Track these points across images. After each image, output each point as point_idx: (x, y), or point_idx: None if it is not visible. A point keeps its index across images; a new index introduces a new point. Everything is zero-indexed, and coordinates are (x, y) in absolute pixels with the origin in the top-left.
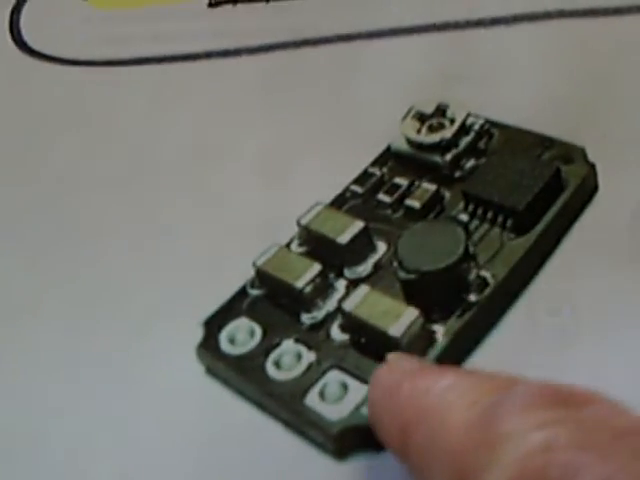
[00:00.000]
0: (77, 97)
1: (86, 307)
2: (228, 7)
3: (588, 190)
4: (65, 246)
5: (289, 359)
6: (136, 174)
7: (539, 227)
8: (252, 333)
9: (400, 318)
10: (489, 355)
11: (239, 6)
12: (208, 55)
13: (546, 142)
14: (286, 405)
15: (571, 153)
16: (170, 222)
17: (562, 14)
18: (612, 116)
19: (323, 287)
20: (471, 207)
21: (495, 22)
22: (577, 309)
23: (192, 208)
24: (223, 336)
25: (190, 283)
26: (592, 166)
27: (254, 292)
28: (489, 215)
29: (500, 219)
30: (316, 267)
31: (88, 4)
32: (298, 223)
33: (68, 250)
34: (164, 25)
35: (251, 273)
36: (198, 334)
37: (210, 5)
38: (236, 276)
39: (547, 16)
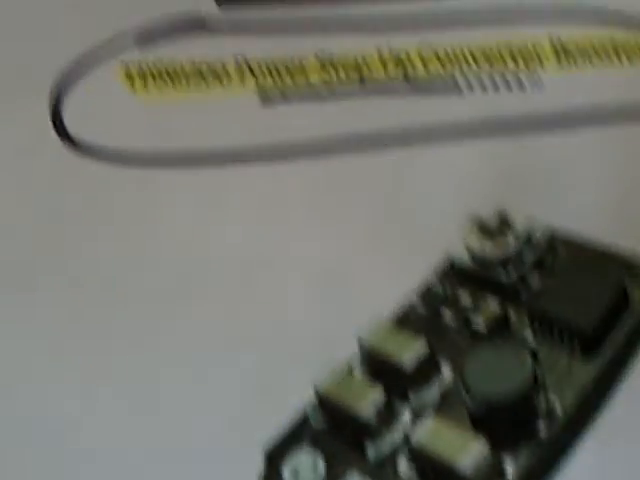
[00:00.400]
0: (123, 196)
1: (137, 428)
2: (282, 105)
3: None
4: (108, 361)
5: None
6: (181, 284)
7: (607, 352)
8: (315, 467)
9: (468, 450)
10: None
11: (293, 104)
12: (259, 157)
13: (612, 257)
14: None
15: (637, 269)
16: (220, 338)
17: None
18: None
19: (388, 415)
20: (537, 325)
21: (557, 124)
22: None
23: (243, 322)
24: (285, 471)
25: (248, 405)
26: None
27: (316, 420)
28: (555, 334)
29: (567, 339)
30: (380, 393)
31: (136, 97)
32: (359, 341)
33: (113, 369)
34: (214, 123)
35: (311, 394)
36: (258, 460)
37: (263, 103)
38: (295, 397)
39: (611, 118)
